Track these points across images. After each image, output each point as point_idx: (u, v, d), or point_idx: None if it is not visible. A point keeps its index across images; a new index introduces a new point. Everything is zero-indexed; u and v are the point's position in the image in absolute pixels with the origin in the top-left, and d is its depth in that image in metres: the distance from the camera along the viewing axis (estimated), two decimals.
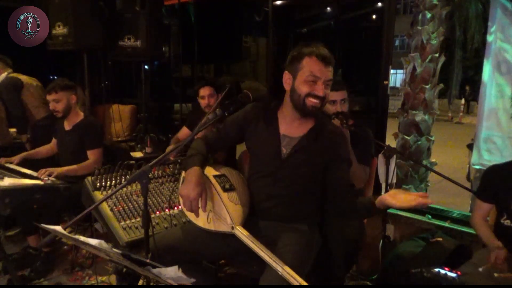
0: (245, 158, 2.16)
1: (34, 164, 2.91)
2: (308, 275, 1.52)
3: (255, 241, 1.53)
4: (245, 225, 1.64)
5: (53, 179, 2.60)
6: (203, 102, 2.98)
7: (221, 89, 3.05)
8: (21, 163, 2.95)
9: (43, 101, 3.80)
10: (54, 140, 3.15)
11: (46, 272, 2.78)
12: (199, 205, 1.62)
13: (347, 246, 2.00)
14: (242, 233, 1.57)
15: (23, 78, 3.77)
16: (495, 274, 1.71)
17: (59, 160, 3.03)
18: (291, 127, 1.75)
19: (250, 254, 1.55)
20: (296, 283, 1.34)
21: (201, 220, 1.67)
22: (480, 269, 1.76)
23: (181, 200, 1.67)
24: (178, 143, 3.13)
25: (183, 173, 1.92)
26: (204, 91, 2.96)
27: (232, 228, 1.61)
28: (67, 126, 2.97)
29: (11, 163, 2.92)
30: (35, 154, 3.13)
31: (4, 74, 3.74)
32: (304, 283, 1.34)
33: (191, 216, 1.78)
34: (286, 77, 1.70)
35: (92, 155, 2.85)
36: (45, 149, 3.17)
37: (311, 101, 1.62)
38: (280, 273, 1.39)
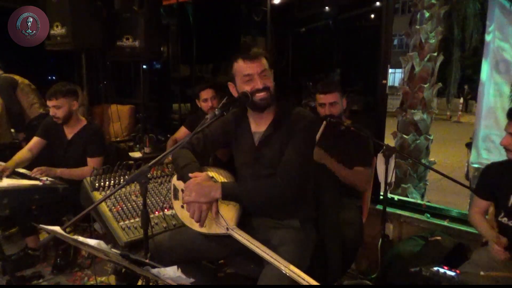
0: None
1: (33, 164, 2.90)
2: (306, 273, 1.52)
3: (252, 240, 1.53)
4: (239, 223, 1.65)
5: (52, 179, 2.59)
6: (205, 105, 2.94)
7: (222, 89, 3.03)
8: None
9: (36, 100, 3.81)
10: (37, 140, 2.91)
11: (67, 267, 2.81)
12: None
13: (346, 246, 2.00)
14: (237, 234, 1.58)
15: (17, 77, 3.78)
16: (481, 273, 1.72)
17: (55, 163, 2.96)
18: (258, 123, 1.81)
19: (247, 253, 1.55)
20: (301, 280, 1.34)
21: (196, 224, 1.67)
22: (482, 273, 1.75)
23: (183, 210, 1.67)
24: (175, 143, 3.11)
25: (173, 181, 1.92)
26: (207, 94, 2.92)
27: (227, 229, 1.61)
28: (69, 134, 2.85)
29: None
30: (20, 164, 2.81)
31: None
32: (308, 277, 1.34)
33: (186, 220, 1.79)
34: (231, 87, 1.79)
35: (92, 162, 2.76)
36: (23, 156, 2.83)
37: (257, 96, 1.69)
38: (277, 268, 1.40)
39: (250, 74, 1.69)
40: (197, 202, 1.60)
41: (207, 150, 1.92)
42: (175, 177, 1.91)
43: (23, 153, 2.85)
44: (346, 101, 2.51)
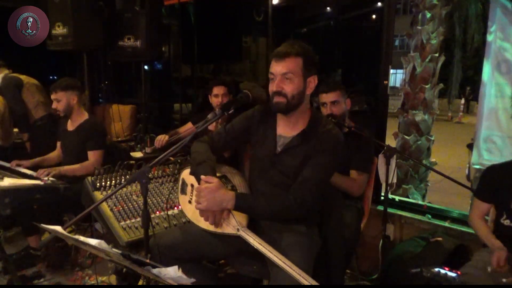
0: (246, 157, 2.16)
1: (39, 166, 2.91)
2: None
3: (262, 242, 1.52)
4: (248, 225, 1.65)
5: (53, 179, 2.60)
6: (216, 101, 2.94)
7: (233, 91, 3.05)
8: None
9: (42, 100, 3.82)
10: (59, 143, 3.09)
11: (60, 267, 2.82)
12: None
13: (344, 247, 2.00)
14: (248, 235, 1.57)
15: (23, 77, 3.79)
16: (504, 279, 1.70)
17: (63, 160, 3.01)
18: (286, 127, 1.76)
19: (250, 254, 1.55)
20: (307, 283, 1.34)
21: (204, 223, 1.67)
22: (489, 269, 1.74)
23: (190, 205, 1.66)
24: (176, 134, 3.14)
25: (182, 175, 1.92)
26: (219, 90, 2.93)
27: (238, 230, 1.60)
28: (70, 126, 2.94)
29: (20, 166, 2.83)
30: (47, 161, 3.02)
31: (1, 75, 3.75)
32: (314, 282, 1.34)
33: (191, 216, 1.79)
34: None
35: (93, 156, 2.82)
36: (56, 156, 3.08)
37: (272, 98, 1.65)
38: (290, 274, 1.39)
39: (272, 74, 1.64)
40: (209, 210, 1.58)
41: (227, 146, 1.90)
42: (185, 171, 1.88)
43: (52, 154, 3.10)
44: (349, 102, 2.48)
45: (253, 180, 1.84)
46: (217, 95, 2.94)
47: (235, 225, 1.61)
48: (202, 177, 1.62)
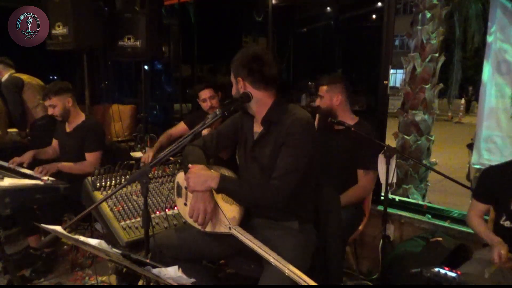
0: None
1: (35, 163, 2.91)
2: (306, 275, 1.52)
3: (254, 240, 1.53)
4: (241, 223, 1.66)
5: (53, 179, 2.60)
6: (205, 105, 2.95)
7: (221, 88, 3.04)
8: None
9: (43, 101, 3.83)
10: (55, 141, 3.11)
11: (47, 272, 2.79)
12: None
13: (344, 248, 2.00)
14: (239, 233, 1.58)
15: (24, 77, 3.80)
16: (485, 276, 1.70)
17: (60, 160, 3.01)
18: (258, 124, 1.81)
19: (248, 253, 1.55)
20: (301, 281, 1.34)
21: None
22: (486, 275, 1.74)
23: (187, 213, 1.68)
24: (169, 137, 3.14)
25: (177, 178, 1.93)
26: (205, 94, 2.92)
27: (230, 228, 1.62)
28: (68, 128, 2.94)
29: (22, 163, 2.84)
30: (42, 153, 3.04)
31: (6, 75, 3.76)
32: (308, 279, 1.34)
33: (188, 218, 1.79)
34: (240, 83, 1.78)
35: (90, 157, 2.82)
36: (51, 150, 3.11)
37: None
38: (282, 271, 1.40)
39: None
40: (194, 190, 1.62)
41: (219, 148, 1.92)
42: (179, 175, 1.91)
43: (49, 148, 3.10)
44: (340, 99, 2.43)
45: (242, 178, 1.86)
46: (205, 100, 2.93)
47: (227, 224, 1.63)
48: (190, 165, 1.70)
